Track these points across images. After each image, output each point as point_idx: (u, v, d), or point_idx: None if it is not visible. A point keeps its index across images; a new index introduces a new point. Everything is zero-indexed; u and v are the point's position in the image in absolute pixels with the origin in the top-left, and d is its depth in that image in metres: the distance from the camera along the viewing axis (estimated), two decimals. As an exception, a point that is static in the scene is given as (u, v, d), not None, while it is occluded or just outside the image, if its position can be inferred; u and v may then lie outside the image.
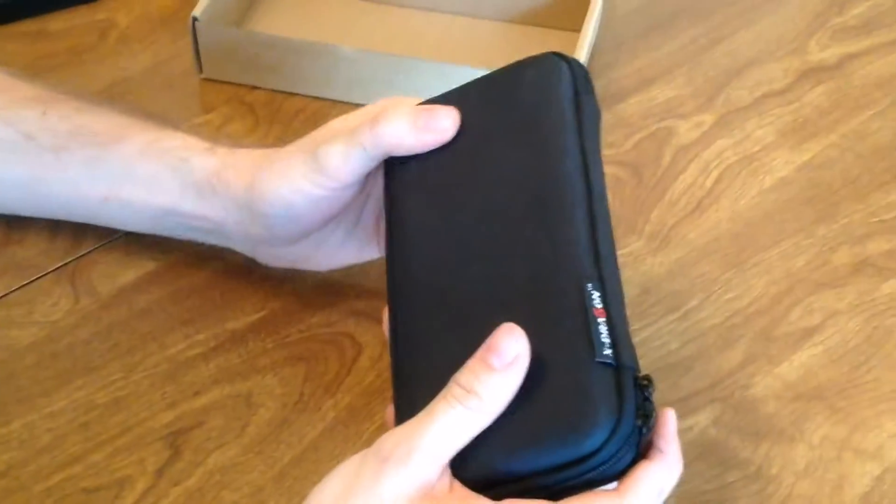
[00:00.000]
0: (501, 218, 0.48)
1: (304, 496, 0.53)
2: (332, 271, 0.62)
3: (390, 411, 0.48)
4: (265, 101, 0.74)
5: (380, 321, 0.60)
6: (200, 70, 0.75)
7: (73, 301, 0.61)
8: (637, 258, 0.65)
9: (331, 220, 0.56)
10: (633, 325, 0.61)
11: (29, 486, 0.54)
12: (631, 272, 0.64)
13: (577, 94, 0.51)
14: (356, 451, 0.55)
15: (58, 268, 0.63)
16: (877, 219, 0.67)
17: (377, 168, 0.54)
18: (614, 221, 0.66)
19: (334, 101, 0.74)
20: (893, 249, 0.65)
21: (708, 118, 0.74)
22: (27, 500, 0.53)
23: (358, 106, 0.73)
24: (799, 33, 0.80)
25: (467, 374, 0.42)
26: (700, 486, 0.54)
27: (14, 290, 0.61)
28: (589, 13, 0.74)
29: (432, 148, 0.51)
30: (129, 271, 0.63)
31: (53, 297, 0.61)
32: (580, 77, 0.52)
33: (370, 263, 0.63)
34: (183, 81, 0.75)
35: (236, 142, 0.59)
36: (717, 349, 0.60)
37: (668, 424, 0.44)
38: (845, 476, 0.55)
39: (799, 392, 0.58)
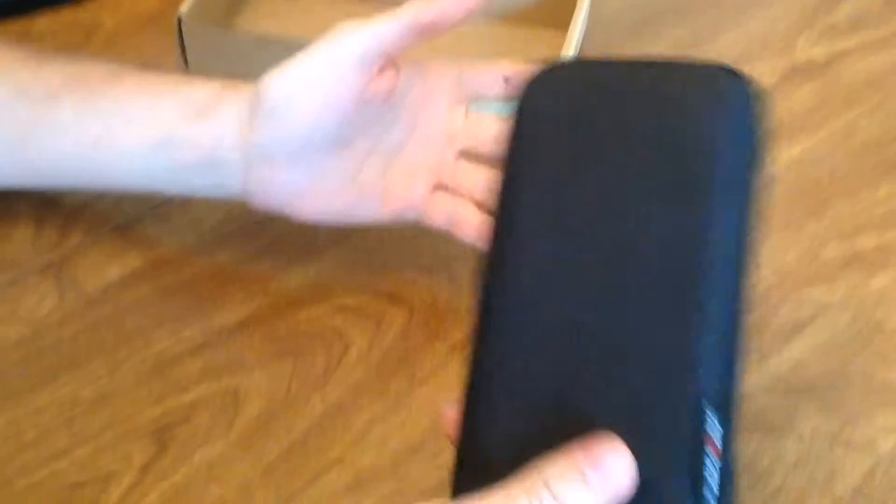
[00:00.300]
0: (626, 276, 0.40)
1: (292, 490, 0.53)
2: (319, 271, 0.62)
3: (450, 416, 0.41)
4: (252, 100, 0.73)
5: (367, 316, 0.60)
6: (187, 69, 0.74)
7: (58, 297, 0.61)
8: (626, 254, 0.64)
9: (335, 131, 0.54)
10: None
11: (13, 481, 0.53)
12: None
13: (752, 138, 0.42)
14: (344, 447, 0.55)
15: (43, 264, 0.62)
16: (866, 214, 0.67)
17: (382, 110, 0.55)
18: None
19: (322, 100, 0.74)
20: (883, 244, 0.65)
21: (696, 116, 0.73)
22: (12, 496, 0.52)
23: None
24: (787, 32, 0.80)
25: (559, 480, 0.36)
26: (691, 479, 0.54)
27: (-1, 287, 0.61)
28: (576, 12, 0.74)
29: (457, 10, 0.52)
30: (115, 267, 0.62)
31: (39, 294, 0.61)
32: (757, 114, 0.43)
33: (358, 260, 0.62)
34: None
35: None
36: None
37: None
38: (837, 469, 0.54)
39: (789, 386, 0.58)
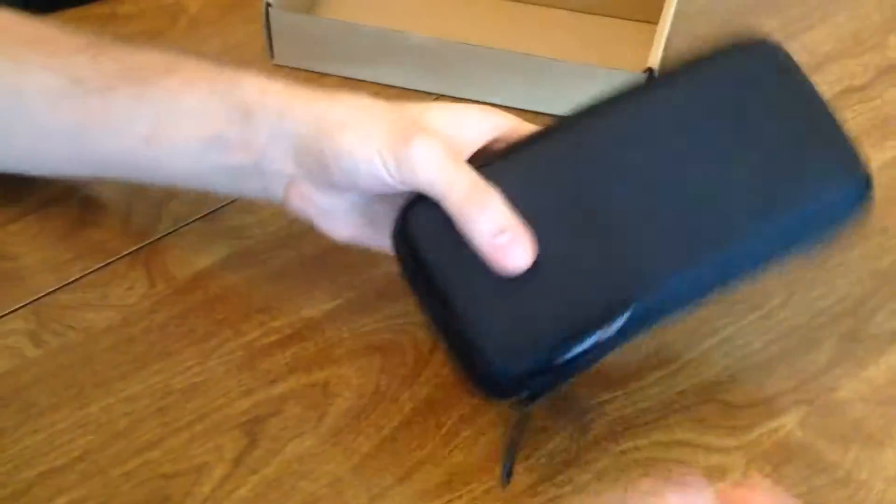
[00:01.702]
0: (675, 196, 0.50)
1: (383, 487, 0.53)
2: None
3: None
4: (336, 88, 0.73)
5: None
6: (272, 56, 0.74)
7: (148, 285, 0.61)
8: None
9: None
10: (716, 323, 0.60)
11: (107, 470, 0.53)
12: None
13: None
14: (435, 445, 0.55)
15: (133, 251, 0.62)
16: (964, 219, 0.66)
17: None
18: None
19: (405, 90, 0.73)
20: (981, 251, 0.64)
21: (787, 114, 0.72)
22: (105, 485, 0.53)
23: (429, 95, 0.73)
24: (878, 29, 0.79)
25: None
26: (788, 489, 0.53)
27: (89, 273, 0.61)
28: (666, 5, 0.73)
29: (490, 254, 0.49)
30: (204, 256, 0.62)
31: (129, 281, 0.61)
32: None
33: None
34: (254, 67, 0.74)
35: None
36: (802, 350, 0.59)
37: None
38: (937, 483, 0.53)
39: (887, 395, 0.57)
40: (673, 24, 0.77)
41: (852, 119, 0.72)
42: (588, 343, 0.47)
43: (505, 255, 0.49)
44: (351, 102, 0.53)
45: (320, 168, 0.53)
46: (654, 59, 0.68)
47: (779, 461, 0.54)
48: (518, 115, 0.70)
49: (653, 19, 0.73)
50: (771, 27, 0.79)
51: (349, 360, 0.58)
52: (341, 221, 0.56)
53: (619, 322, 0.47)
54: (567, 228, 0.49)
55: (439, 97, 0.73)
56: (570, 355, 0.46)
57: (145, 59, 0.57)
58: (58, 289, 0.60)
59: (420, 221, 0.50)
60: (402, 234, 0.50)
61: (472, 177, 0.50)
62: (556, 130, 0.52)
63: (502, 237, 0.49)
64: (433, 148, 0.50)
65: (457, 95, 0.73)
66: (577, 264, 0.48)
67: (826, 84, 0.74)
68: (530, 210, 0.49)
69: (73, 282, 0.61)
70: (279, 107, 0.54)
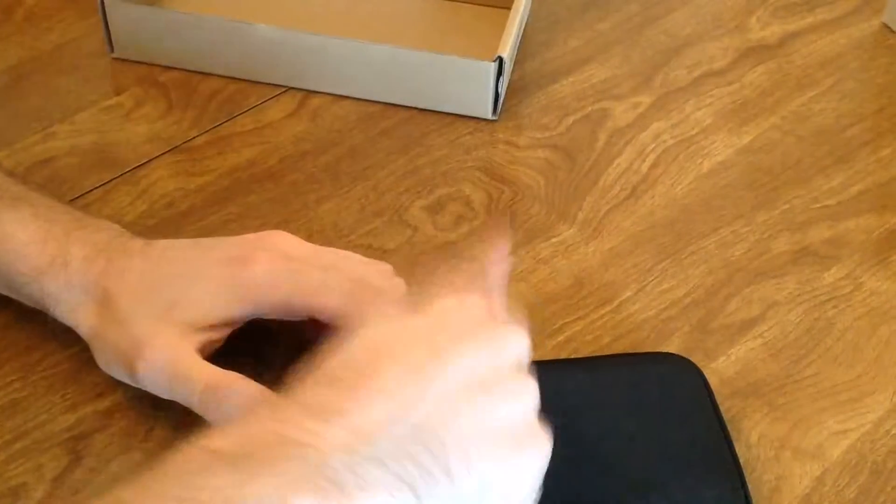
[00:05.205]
0: None
1: None
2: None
3: None
4: (180, 82, 0.70)
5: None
6: (111, 49, 0.71)
7: (-33, 296, 0.57)
8: (569, 247, 0.62)
9: None
10: (565, 319, 0.58)
11: (-86, 497, 0.50)
12: (563, 262, 0.61)
13: None
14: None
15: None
16: (818, 205, 0.64)
17: None
18: (545, 207, 0.63)
19: (252, 82, 0.70)
20: (835, 237, 0.63)
21: (645, 99, 0.71)
22: (-88, 513, 0.49)
23: (277, 88, 0.70)
24: (739, 10, 0.78)
25: None
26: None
27: None
28: (520, -8, 0.71)
29: None
30: (30, 264, 0.59)
31: (-54, 293, 0.57)
32: None
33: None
34: (93, 61, 0.71)
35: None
36: (652, 343, 0.57)
37: None
38: (784, 477, 0.52)
39: (736, 388, 0.55)
40: (531, 10, 0.75)
41: (710, 104, 0.70)
42: None
43: None
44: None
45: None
46: (505, 48, 0.66)
47: (624, 460, 0.52)
48: (370, 107, 0.69)
49: (508, 5, 0.71)
50: (632, 11, 0.77)
51: (183, 370, 0.55)
52: None
53: None
54: None
55: (287, 90, 0.70)
56: None
57: None
58: None
59: None
60: None
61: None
62: None
63: None
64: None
65: (304, 87, 0.70)
66: None
67: (685, 68, 0.73)
68: None
69: None
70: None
